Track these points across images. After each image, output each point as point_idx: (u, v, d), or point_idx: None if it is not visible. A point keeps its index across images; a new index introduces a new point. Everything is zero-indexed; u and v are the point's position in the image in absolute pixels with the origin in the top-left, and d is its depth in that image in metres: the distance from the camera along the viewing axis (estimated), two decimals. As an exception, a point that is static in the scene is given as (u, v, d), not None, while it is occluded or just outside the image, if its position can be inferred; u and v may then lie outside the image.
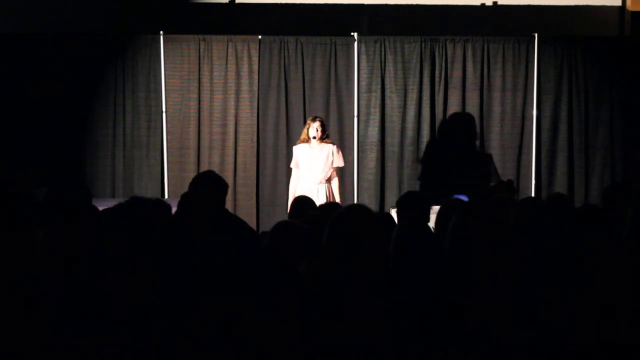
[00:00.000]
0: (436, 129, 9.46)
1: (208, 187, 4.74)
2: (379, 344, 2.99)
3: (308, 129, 8.17)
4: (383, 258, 3.26)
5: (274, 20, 9.74)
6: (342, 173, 9.18)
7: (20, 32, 9.41)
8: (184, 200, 4.48)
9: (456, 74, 9.53)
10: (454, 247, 3.18)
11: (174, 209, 4.45)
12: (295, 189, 8.15)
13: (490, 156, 9.45)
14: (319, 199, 7.87)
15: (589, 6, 9.90)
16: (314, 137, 8.11)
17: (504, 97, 9.55)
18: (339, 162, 8.24)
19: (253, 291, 3.14)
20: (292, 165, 8.33)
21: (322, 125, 8.20)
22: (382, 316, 3.02)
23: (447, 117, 9.47)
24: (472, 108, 9.53)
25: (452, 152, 9.33)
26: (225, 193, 4.86)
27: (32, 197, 3.86)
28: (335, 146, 8.27)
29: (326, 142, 8.21)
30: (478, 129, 9.52)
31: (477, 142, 9.47)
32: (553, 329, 3.04)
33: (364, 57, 9.48)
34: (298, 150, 8.23)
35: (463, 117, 9.42)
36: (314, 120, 8.23)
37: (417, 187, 9.33)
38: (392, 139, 9.52)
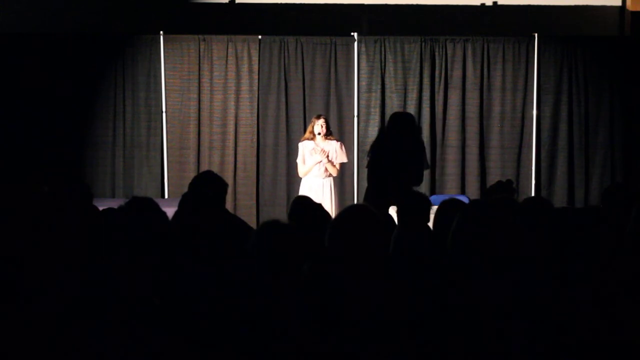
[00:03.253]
0: (422, 128, 9.38)
1: (208, 187, 4.74)
2: (380, 344, 2.99)
3: (313, 126, 8.18)
4: (383, 258, 3.27)
5: (274, 20, 9.74)
6: (342, 173, 9.19)
7: (21, 32, 9.41)
8: (185, 200, 4.48)
9: (456, 74, 9.53)
10: (455, 247, 3.18)
11: (174, 209, 4.46)
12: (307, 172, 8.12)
13: (422, 144, 9.32)
14: (324, 194, 7.92)
15: (589, 6, 9.91)
16: (319, 134, 8.12)
17: (504, 97, 9.55)
18: (343, 158, 8.25)
19: (253, 291, 3.14)
20: (298, 160, 8.26)
21: (326, 122, 8.22)
22: (382, 316, 3.02)
23: (386, 120, 9.32)
24: (472, 108, 9.53)
25: (388, 151, 9.25)
26: (225, 192, 4.85)
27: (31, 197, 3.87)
28: (339, 143, 8.27)
29: (330, 139, 8.21)
30: (477, 129, 9.50)
31: (413, 138, 9.30)
32: (554, 328, 3.04)
33: (364, 57, 9.48)
34: (304, 146, 8.21)
35: (399, 117, 9.29)
36: (318, 117, 8.24)
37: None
38: (392, 139, 9.51)
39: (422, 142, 7.86)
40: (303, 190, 8.02)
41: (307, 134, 8.26)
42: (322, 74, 9.51)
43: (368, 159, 7.63)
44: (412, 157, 8.99)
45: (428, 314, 3.05)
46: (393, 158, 8.32)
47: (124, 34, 9.56)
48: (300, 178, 8.26)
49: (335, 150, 8.18)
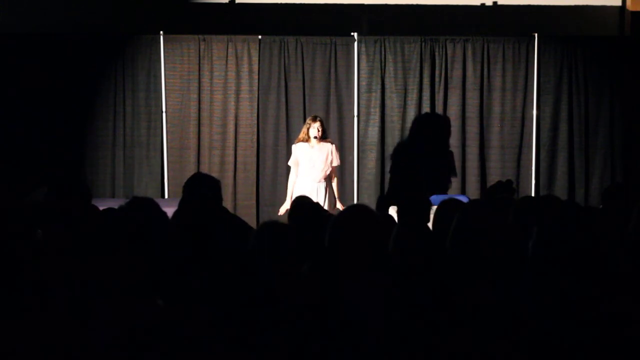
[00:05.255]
0: (422, 128, 9.46)
1: (204, 187, 4.73)
2: (380, 344, 2.99)
3: (308, 129, 8.18)
4: (383, 258, 3.27)
5: (274, 20, 9.74)
6: (342, 173, 9.20)
7: (21, 32, 9.40)
8: (184, 202, 4.48)
9: (456, 74, 9.53)
10: (455, 247, 3.18)
11: (174, 209, 4.46)
12: (294, 187, 8.18)
13: (452, 153, 9.47)
14: (318, 198, 7.92)
15: (589, 6, 9.91)
16: (315, 137, 8.14)
17: (504, 97, 9.55)
18: (337, 160, 8.29)
19: (253, 291, 3.14)
20: (290, 163, 8.34)
21: (322, 125, 8.23)
22: (382, 316, 3.02)
23: (418, 117, 9.46)
24: (472, 108, 9.53)
25: (419, 151, 9.38)
26: (220, 189, 4.83)
27: (30, 197, 3.87)
28: (334, 146, 8.31)
29: (325, 142, 8.23)
30: (477, 129, 9.52)
31: (449, 141, 9.48)
32: (554, 328, 3.04)
33: (364, 57, 9.48)
34: (298, 149, 8.25)
35: (434, 117, 9.46)
36: (314, 120, 8.24)
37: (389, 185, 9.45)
38: (392, 139, 9.53)
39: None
40: (297, 193, 8.00)
41: (302, 135, 8.27)
42: (322, 74, 9.51)
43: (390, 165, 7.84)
44: (436, 164, 9.18)
45: (427, 314, 3.05)
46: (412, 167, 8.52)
47: (124, 34, 9.56)
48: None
49: (332, 152, 8.21)
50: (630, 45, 9.59)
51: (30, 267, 3.11)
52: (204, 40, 9.44)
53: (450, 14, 9.80)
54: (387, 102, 9.53)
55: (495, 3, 9.90)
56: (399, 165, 9.43)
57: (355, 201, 9.26)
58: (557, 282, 3.19)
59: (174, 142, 9.48)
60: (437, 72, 9.53)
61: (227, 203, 7.75)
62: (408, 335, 2.99)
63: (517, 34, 9.62)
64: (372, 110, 9.52)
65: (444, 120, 9.48)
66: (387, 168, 9.55)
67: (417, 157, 9.36)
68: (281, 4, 9.78)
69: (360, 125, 9.51)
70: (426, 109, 9.51)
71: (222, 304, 3.09)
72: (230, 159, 9.49)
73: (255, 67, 9.45)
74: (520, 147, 9.58)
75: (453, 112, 9.54)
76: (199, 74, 9.45)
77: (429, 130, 9.46)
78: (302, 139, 8.25)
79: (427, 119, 9.48)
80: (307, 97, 9.51)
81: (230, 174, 9.43)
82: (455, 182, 9.51)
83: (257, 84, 9.46)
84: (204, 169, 9.14)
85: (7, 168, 8.98)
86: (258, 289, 3.12)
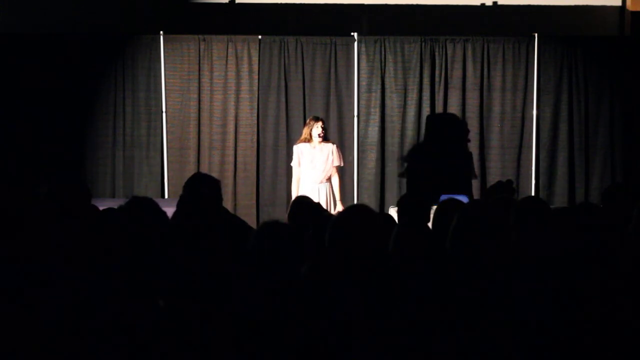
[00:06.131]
0: (422, 128, 9.48)
1: (204, 186, 4.72)
2: (379, 343, 2.99)
3: (311, 129, 8.18)
4: (384, 257, 3.27)
5: (274, 20, 9.75)
6: (342, 173, 9.19)
7: (21, 32, 9.41)
8: (183, 201, 4.48)
9: (456, 74, 9.53)
10: (455, 247, 3.18)
11: (174, 209, 4.46)
12: (297, 188, 8.19)
13: (470, 154, 9.50)
14: (320, 199, 7.93)
15: (589, 6, 9.91)
16: (319, 136, 8.14)
17: (504, 97, 9.55)
18: (339, 161, 8.28)
19: (253, 291, 3.14)
20: (293, 164, 8.35)
21: (324, 125, 8.26)
22: (382, 316, 3.02)
23: (432, 116, 9.49)
24: (472, 108, 9.53)
25: (436, 151, 9.39)
26: (220, 189, 4.83)
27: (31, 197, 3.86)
28: (335, 146, 8.31)
29: (327, 142, 8.24)
30: (477, 129, 9.53)
31: (465, 142, 9.50)
32: (554, 328, 3.04)
33: (364, 57, 9.48)
34: (299, 149, 8.25)
35: (448, 116, 9.49)
36: (317, 120, 8.25)
37: (401, 185, 9.45)
38: (392, 139, 9.53)
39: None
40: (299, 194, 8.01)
41: (304, 136, 8.27)
42: (322, 74, 9.51)
43: (405, 165, 7.81)
44: (454, 165, 9.22)
45: (427, 314, 3.05)
46: (429, 167, 8.50)
47: (124, 34, 9.56)
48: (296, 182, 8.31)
49: (333, 153, 8.21)
50: (630, 45, 9.59)
51: (30, 267, 3.11)
52: (204, 40, 9.45)
53: (450, 14, 9.81)
54: (387, 102, 9.53)
55: (495, 3, 9.90)
56: (416, 164, 9.47)
57: (355, 201, 9.26)
58: (557, 282, 3.19)
59: (174, 142, 9.48)
60: (437, 72, 9.53)
61: (227, 203, 7.75)
62: (408, 335, 2.99)
63: (517, 34, 9.62)
64: (372, 110, 9.52)
65: (457, 121, 9.49)
66: (387, 168, 9.56)
67: (429, 157, 9.37)
68: (281, 4, 9.78)
69: (360, 125, 9.51)
70: (426, 109, 9.51)
71: (222, 304, 3.09)
72: (230, 159, 9.49)
73: (255, 67, 9.45)
74: (520, 147, 9.58)
75: (453, 112, 9.54)
76: (199, 74, 9.45)
77: (443, 130, 9.47)
78: (304, 139, 8.25)
79: (439, 119, 9.49)
80: (307, 97, 9.51)
81: (230, 174, 9.43)
82: (462, 183, 9.50)
83: (257, 84, 9.46)
84: (204, 169, 9.14)
85: (7, 168, 8.98)
86: (258, 289, 3.12)
